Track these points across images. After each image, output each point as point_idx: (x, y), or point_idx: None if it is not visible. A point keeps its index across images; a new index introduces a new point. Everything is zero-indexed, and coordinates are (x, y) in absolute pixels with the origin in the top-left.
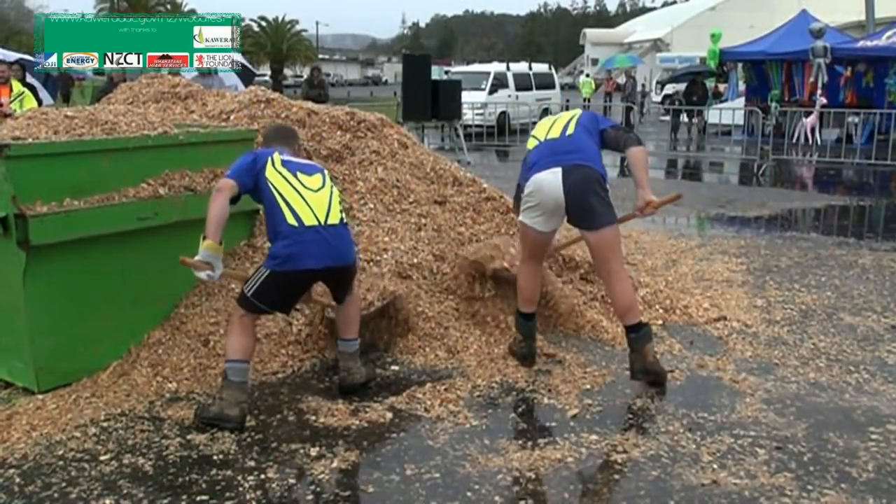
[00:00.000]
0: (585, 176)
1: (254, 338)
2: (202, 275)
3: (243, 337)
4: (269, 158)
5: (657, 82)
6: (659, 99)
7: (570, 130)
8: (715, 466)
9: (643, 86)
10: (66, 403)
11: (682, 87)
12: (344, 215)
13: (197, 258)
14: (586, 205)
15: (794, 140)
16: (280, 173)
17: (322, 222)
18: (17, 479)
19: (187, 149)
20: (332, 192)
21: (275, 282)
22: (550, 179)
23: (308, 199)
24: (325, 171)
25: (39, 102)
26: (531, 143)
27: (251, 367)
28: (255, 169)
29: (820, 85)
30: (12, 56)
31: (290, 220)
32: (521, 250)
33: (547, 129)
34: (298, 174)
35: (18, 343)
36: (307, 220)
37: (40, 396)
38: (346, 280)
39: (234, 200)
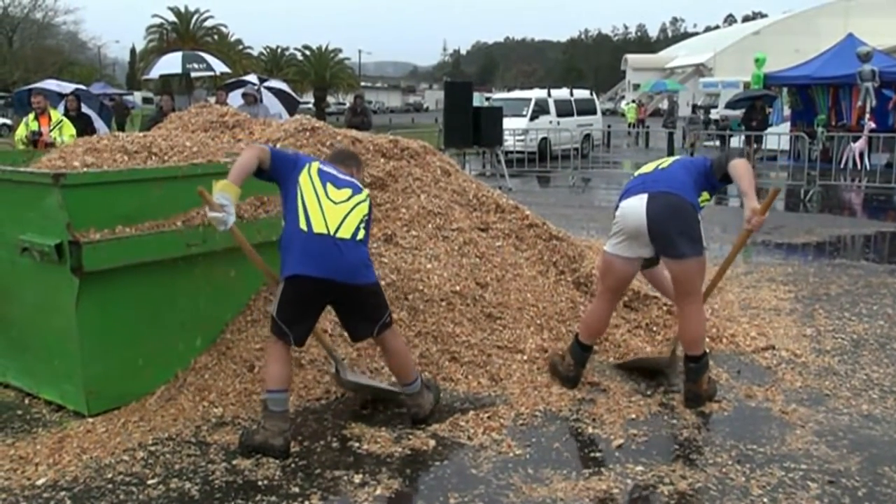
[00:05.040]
0: (671, 203)
1: (290, 366)
2: (215, 215)
3: (279, 365)
4: (308, 165)
5: (700, 107)
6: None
7: (665, 165)
8: (765, 500)
9: (705, 110)
10: (116, 427)
11: (730, 112)
12: (361, 234)
13: (213, 195)
14: (668, 232)
15: (841, 165)
16: (311, 180)
17: (331, 232)
18: (68, 502)
19: None
20: (353, 208)
21: (287, 292)
22: (636, 205)
23: (325, 207)
24: (363, 193)
25: (94, 131)
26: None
27: (291, 394)
28: (291, 166)
29: (868, 109)
30: (68, 87)
31: (302, 223)
32: (601, 283)
33: (646, 168)
34: (328, 185)
35: (70, 367)
36: (316, 227)
37: (90, 420)
38: (358, 303)
39: (258, 174)
